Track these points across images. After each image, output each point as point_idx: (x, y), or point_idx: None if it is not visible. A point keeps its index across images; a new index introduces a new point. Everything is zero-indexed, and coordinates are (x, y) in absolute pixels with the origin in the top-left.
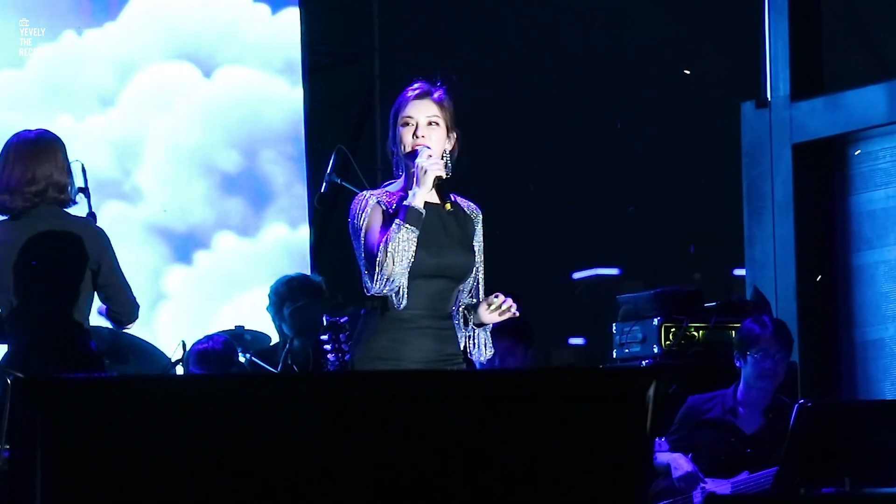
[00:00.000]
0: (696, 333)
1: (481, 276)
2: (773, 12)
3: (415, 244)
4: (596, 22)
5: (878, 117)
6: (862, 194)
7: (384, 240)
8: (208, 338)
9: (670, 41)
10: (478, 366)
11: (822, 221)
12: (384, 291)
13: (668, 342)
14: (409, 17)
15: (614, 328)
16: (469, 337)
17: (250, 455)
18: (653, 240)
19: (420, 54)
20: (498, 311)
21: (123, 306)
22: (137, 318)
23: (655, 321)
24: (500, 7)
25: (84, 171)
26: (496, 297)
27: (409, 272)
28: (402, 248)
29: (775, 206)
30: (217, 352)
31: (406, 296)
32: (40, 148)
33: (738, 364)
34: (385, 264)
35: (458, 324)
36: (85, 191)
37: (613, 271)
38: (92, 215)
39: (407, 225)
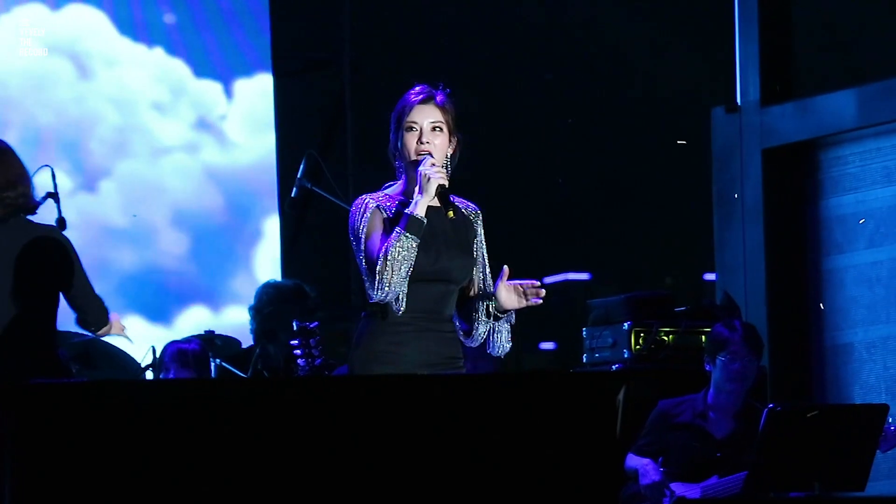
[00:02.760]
0: (666, 338)
1: (489, 272)
2: (743, 18)
3: (415, 253)
4: (567, 27)
5: (848, 122)
6: (831, 199)
7: (384, 248)
8: (186, 339)
9: (641, 46)
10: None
11: (792, 226)
12: (387, 299)
13: (638, 346)
14: (379, 23)
15: (585, 333)
16: (493, 330)
17: (221, 458)
18: (623, 245)
19: (391, 60)
20: (522, 295)
21: (92, 311)
22: (107, 322)
23: (626, 326)
24: (471, 12)
25: (53, 176)
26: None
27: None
28: (402, 257)
29: (745, 210)
30: (195, 353)
31: (405, 300)
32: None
33: (707, 368)
34: (385, 273)
35: (479, 317)
36: (54, 196)
37: (584, 276)
38: (61, 220)
39: (407, 234)
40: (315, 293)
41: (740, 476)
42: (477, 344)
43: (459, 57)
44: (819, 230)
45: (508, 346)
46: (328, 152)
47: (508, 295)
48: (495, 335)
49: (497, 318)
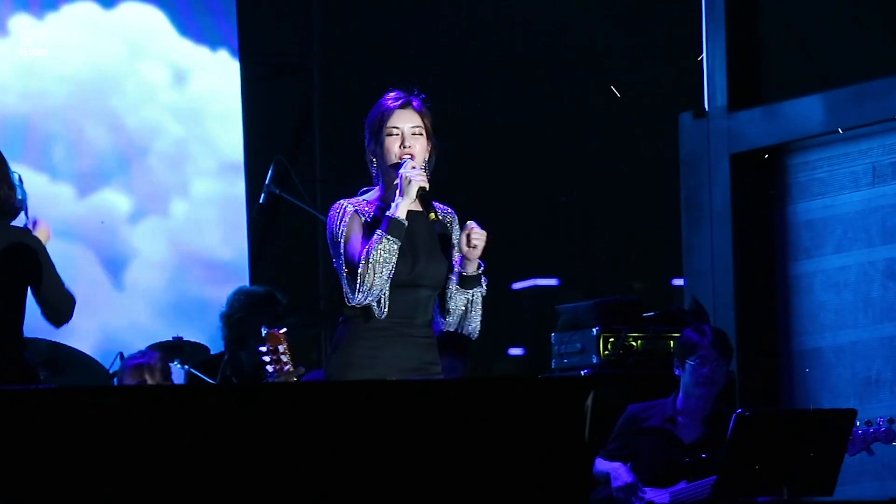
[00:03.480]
0: (634, 343)
1: None
2: (710, 23)
3: (396, 255)
4: (536, 33)
5: (815, 127)
6: (799, 204)
7: (366, 251)
8: (141, 352)
9: (609, 52)
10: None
11: (760, 231)
12: (366, 302)
13: (606, 352)
14: (349, 28)
15: (553, 338)
16: (469, 303)
17: (190, 465)
18: (592, 250)
19: (360, 64)
20: (467, 238)
21: (59, 309)
22: (72, 313)
23: (594, 331)
24: (439, 17)
25: (21, 181)
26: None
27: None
28: (383, 259)
29: (713, 216)
30: (150, 366)
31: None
32: None
33: (677, 373)
34: (367, 275)
35: (452, 288)
36: (22, 201)
37: (552, 282)
38: (32, 223)
39: (388, 236)
40: (286, 300)
41: (709, 481)
42: (455, 323)
43: (429, 62)
44: (787, 235)
45: (477, 325)
46: (297, 158)
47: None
48: (472, 310)
49: (466, 285)
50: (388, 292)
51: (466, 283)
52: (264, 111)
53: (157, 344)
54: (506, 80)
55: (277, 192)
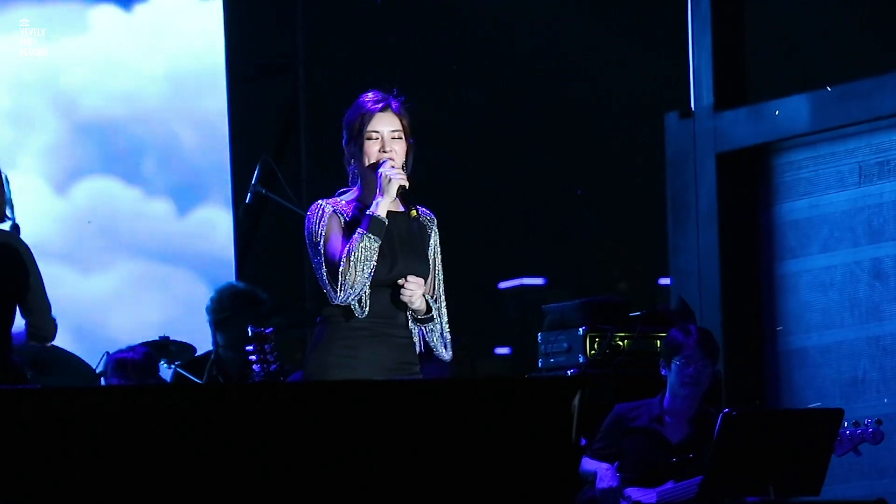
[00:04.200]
0: (621, 343)
1: (441, 279)
2: (696, 23)
3: (377, 253)
4: (520, 32)
5: (801, 127)
6: (785, 204)
7: (347, 250)
8: (129, 348)
9: (595, 51)
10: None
11: (746, 231)
12: (348, 301)
13: (593, 351)
14: (334, 27)
15: (540, 338)
16: (426, 333)
17: (176, 466)
18: (578, 250)
19: (345, 65)
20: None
21: (45, 323)
22: (54, 337)
23: (581, 330)
24: (424, 17)
25: (7, 182)
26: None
27: None
28: (364, 257)
29: (699, 215)
30: (135, 362)
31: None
32: None
33: (663, 372)
34: (348, 273)
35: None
36: (8, 202)
37: (539, 281)
38: (16, 227)
39: (369, 234)
40: (267, 297)
41: (696, 481)
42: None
43: (413, 62)
44: (773, 235)
45: (448, 353)
46: (282, 158)
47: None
48: (428, 338)
49: (419, 322)
50: (368, 291)
51: (419, 321)
52: (250, 112)
53: (143, 343)
54: (491, 79)
55: (264, 192)
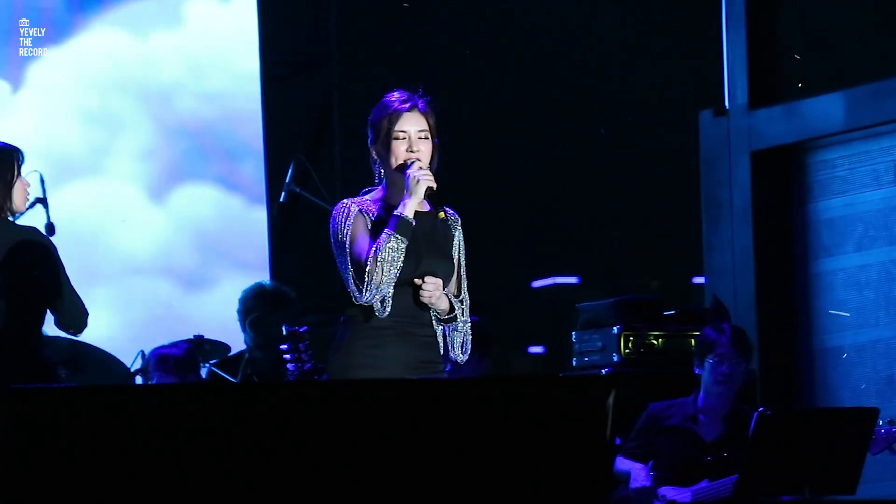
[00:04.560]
0: (655, 342)
1: (464, 280)
2: (730, 21)
3: (403, 254)
4: (555, 31)
5: (835, 125)
6: (819, 202)
7: (374, 249)
8: (172, 343)
9: (629, 50)
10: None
11: (781, 229)
12: (373, 301)
13: (627, 350)
14: (367, 26)
15: (574, 336)
16: (446, 333)
17: (208, 464)
18: (612, 248)
19: (378, 63)
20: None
21: (73, 315)
22: (87, 325)
23: (615, 329)
24: (458, 15)
25: (42, 181)
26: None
27: None
28: (391, 257)
29: (734, 213)
30: (177, 357)
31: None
32: None
33: (697, 371)
34: (375, 274)
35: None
36: (43, 201)
37: (572, 280)
38: (50, 226)
39: (397, 235)
40: (295, 296)
41: (730, 480)
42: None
43: (446, 60)
44: (807, 233)
45: (464, 356)
46: (316, 157)
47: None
48: (450, 338)
49: (443, 322)
50: (391, 290)
51: (442, 321)
52: (284, 111)
53: (182, 342)
54: (525, 77)
55: (298, 190)
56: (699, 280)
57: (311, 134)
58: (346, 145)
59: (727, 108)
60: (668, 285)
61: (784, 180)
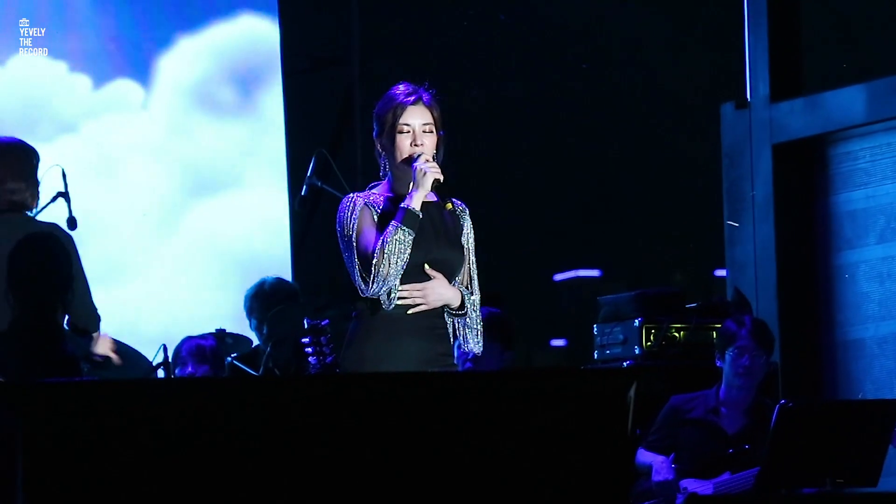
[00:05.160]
0: (676, 334)
1: (474, 270)
2: (752, 14)
3: (410, 246)
4: (575, 24)
5: (857, 117)
6: (842, 194)
7: (381, 242)
8: (202, 335)
9: (650, 43)
10: (457, 354)
11: (803, 221)
12: (379, 294)
13: (649, 343)
14: (388, 20)
15: (595, 329)
16: (464, 325)
17: (232, 457)
18: (633, 241)
19: (399, 57)
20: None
21: (85, 316)
22: (98, 329)
23: (636, 322)
24: (479, 9)
25: (64, 175)
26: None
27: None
28: (398, 249)
29: (755, 206)
30: (213, 348)
31: (396, 296)
32: (4, 151)
33: (718, 364)
34: (381, 266)
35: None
36: (65, 195)
37: (594, 273)
38: (72, 220)
39: (403, 227)
40: (299, 287)
41: (752, 472)
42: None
43: (467, 53)
44: (829, 226)
45: (478, 347)
46: (338, 150)
47: None
48: (462, 332)
49: (453, 315)
50: (398, 283)
51: (453, 314)
52: (305, 105)
53: (210, 334)
54: (546, 70)
55: (319, 184)
56: (721, 273)
57: (332, 128)
58: (367, 139)
59: (749, 100)
60: (690, 278)
61: (806, 172)
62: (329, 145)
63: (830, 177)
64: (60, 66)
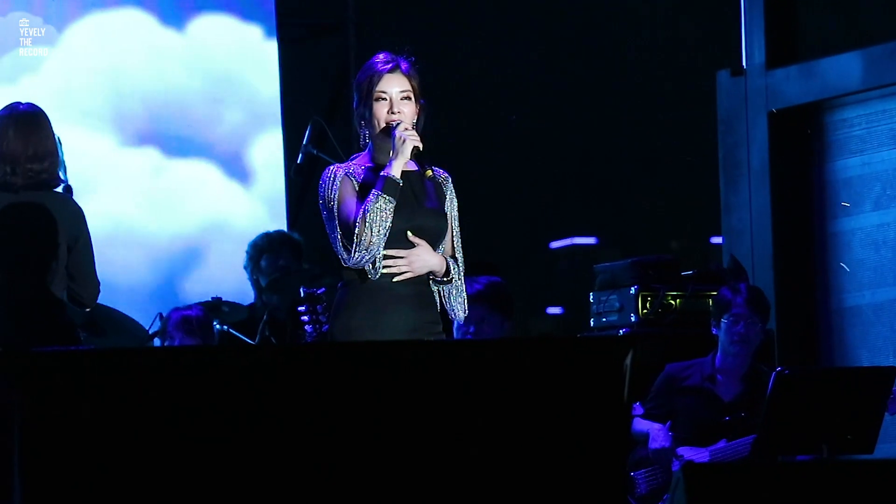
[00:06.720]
0: (673, 302)
1: (458, 238)
2: None
3: (392, 214)
4: None
5: (853, 84)
6: (837, 161)
7: (362, 210)
8: (188, 306)
9: (646, 9)
10: (456, 325)
11: (798, 189)
12: (362, 263)
13: (645, 311)
14: None
15: (591, 297)
16: (449, 292)
17: (228, 425)
18: (629, 209)
19: (396, 25)
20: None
21: (87, 286)
22: (96, 301)
23: (632, 290)
24: None
25: (60, 144)
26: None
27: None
28: (379, 218)
29: (751, 173)
30: (199, 319)
31: (381, 265)
32: (37, 122)
33: (714, 331)
34: (363, 235)
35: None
36: (62, 165)
37: (590, 240)
38: (68, 188)
39: (384, 195)
40: (302, 239)
41: (748, 440)
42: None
43: (462, 21)
44: (825, 193)
45: (462, 314)
46: (334, 118)
47: None
48: (448, 300)
49: (438, 283)
50: (381, 251)
51: (438, 282)
52: (301, 72)
53: (196, 304)
54: (543, 36)
55: (315, 152)
56: (717, 240)
57: (328, 96)
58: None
59: (744, 67)
60: (686, 246)
61: (802, 140)
62: (325, 113)
63: (826, 144)
64: None
